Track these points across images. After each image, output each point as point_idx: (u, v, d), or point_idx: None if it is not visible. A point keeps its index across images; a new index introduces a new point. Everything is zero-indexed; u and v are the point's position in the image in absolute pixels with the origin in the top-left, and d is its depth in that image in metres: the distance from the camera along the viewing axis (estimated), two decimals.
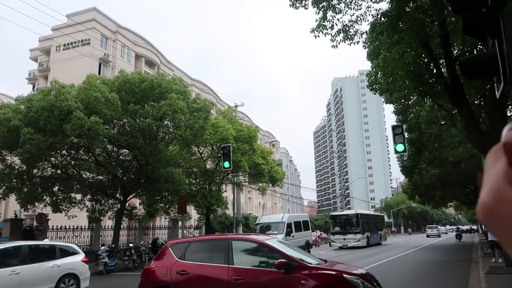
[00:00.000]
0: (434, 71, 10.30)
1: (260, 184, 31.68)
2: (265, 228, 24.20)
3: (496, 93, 5.76)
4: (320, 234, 45.54)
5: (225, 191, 32.80)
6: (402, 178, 55.61)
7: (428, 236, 54.43)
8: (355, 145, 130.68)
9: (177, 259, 7.27)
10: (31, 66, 48.55)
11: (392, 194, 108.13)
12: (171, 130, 22.38)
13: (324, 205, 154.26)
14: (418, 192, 32.92)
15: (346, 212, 37.99)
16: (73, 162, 21.39)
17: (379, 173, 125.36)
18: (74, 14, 41.42)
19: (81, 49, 39.23)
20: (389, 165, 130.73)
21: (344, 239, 31.01)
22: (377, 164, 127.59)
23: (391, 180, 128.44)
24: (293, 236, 22.96)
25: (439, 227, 66.34)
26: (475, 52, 10.35)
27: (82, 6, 42.58)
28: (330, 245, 34.96)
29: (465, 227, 76.06)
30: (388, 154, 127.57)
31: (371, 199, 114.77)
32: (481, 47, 8.44)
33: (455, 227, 62.86)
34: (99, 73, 38.26)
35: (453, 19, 9.94)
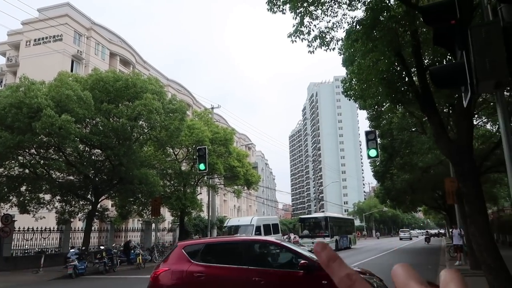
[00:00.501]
0: (406, 79, 10.60)
1: (236, 187, 31.64)
2: (234, 231, 23.75)
3: (464, 102, 6.00)
4: (295, 237, 45.99)
5: (200, 193, 32.56)
6: (374, 182, 56.86)
7: (401, 238, 58.48)
8: (329, 149, 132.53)
9: (192, 261, 7.05)
10: None
11: (365, 199, 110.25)
12: (145, 130, 22.07)
13: (299, 208, 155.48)
14: (389, 196, 33.65)
15: (315, 215, 37.43)
16: (42, 161, 20.74)
17: (352, 177, 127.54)
18: (46, 8, 40.23)
19: (53, 45, 38.10)
20: (362, 170, 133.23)
21: (313, 242, 29.65)
22: (350, 169, 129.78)
23: (364, 184, 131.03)
24: None
25: (410, 231, 70.67)
26: (445, 62, 10.73)
27: (54, 1, 41.23)
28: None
29: (433, 231, 78.51)
30: (362, 159, 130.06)
31: (345, 203, 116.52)
32: (450, 57, 8.77)
33: (425, 231, 67.24)
34: (72, 70, 37.30)
35: (425, 29, 10.26)
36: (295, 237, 34.70)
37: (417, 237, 71.15)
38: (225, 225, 25.73)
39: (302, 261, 6.55)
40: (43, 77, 22.42)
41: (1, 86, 37.88)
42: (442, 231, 74.40)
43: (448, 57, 10.28)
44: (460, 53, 5.64)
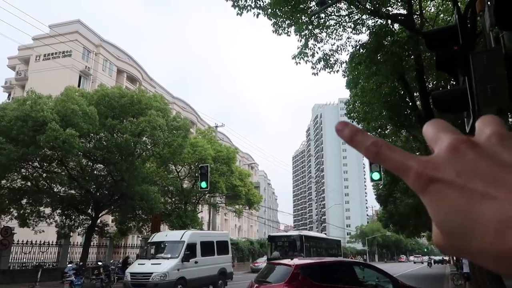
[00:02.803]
0: (409, 103, 10.64)
1: (237, 206, 31.45)
2: (158, 249, 17.35)
3: (466, 127, 5.97)
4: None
5: (201, 211, 32.38)
6: (377, 206, 56.43)
7: (414, 262, 70.25)
8: (333, 171, 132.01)
9: (313, 282, 7.55)
10: (9, 74, 47.54)
11: (368, 222, 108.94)
12: (149, 147, 22.12)
13: (301, 230, 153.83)
14: (392, 220, 33.27)
15: (288, 233, 33.14)
16: (44, 174, 20.75)
17: (355, 200, 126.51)
18: (57, 25, 41.09)
19: (62, 61, 38.73)
20: (366, 193, 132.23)
21: None
22: (353, 192, 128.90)
23: (367, 208, 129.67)
24: (196, 262, 16.48)
25: (422, 256, 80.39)
26: (448, 87, 10.76)
27: (65, 18, 42.16)
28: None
29: (437, 258, 77.25)
30: (365, 182, 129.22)
31: (347, 226, 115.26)
32: (454, 82, 8.80)
33: (428, 257, 72.45)
34: (79, 85, 37.77)
35: (428, 54, 10.35)
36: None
37: (422, 263, 71.79)
38: (149, 241, 18.43)
39: (401, 282, 8.10)
40: (51, 91, 22.68)
41: (10, 99, 38.33)
42: (446, 257, 73.15)
43: (451, 82, 10.33)
44: (462, 79, 5.66)
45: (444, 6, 12.45)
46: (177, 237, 17.41)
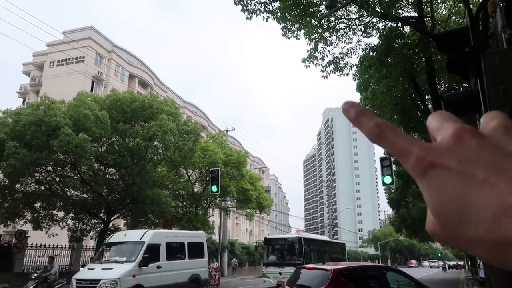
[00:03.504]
0: (421, 106, 10.53)
1: (248, 210, 31.40)
2: (114, 252, 14.76)
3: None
4: (216, 264, 40.73)
5: (212, 215, 32.43)
6: (390, 210, 55.85)
7: (431, 267, 73.17)
8: (344, 175, 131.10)
9: (351, 286, 7.97)
10: (24, 80, 48.46)
11: (380, 226, 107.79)
12: (160, 151, 22.26)
13: (300, 232, 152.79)
14: (404, 225, 32.88)
15: (286, 235, 30.18)
16: (58, 178, 21.03)
17: (367, 204, 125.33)
18: (71, 31, 41.78)
19: (75, 66, 39.35)
20: (378, 197, 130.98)
21: (281, 273, 20.70)
22: (365, 196, 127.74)
23: (379, 212, 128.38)
24: (159, 267, 14.09)
25: (438, 261, 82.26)
26: (460, 90, 10.62)
27: (79, 24, 42.92)
28: (263, 281, 23.62)
29: (451, 263, 76.21)
30: (377, 186, 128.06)
31: (359, 230, 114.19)
32: (466, 85, 8.69)
33: (442, 262, 73.30)
34: (92, 91, 38.29)
35: (440, 56, 10.23)
36: (216, 264, 26.58)
37: (438, 268, 71.63)
38: (106, 241, 16.34)
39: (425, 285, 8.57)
40: (64, 97, 23.02)
41: (24, 105, 39.03)
42: (461, 262, 71.99)
43: (463, 84, 10.19)
44: (474, 81, 5.58)
45: (456, 8, 12.32)
46: (137, 237, 14.67)
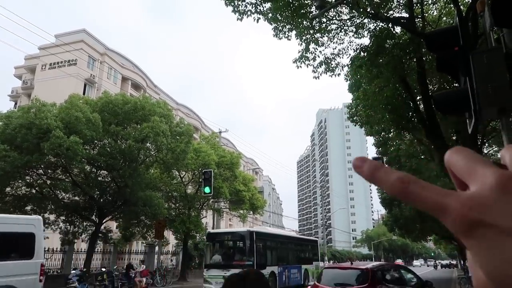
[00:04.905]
0: (411, 106, 10.60)
1: (241, 211, 31.34)
2: None
3: (469, 128, 5.92)
4: (142, 267, 34.13)
5: (205, 217, 32.28)
6: (383, 210, 56.19)
7: (428, 266, 76.75)
8: (338, 176, 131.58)
9: (384, 283, 9.01)
10: (15, 83, 48.04)
11: (373, 226, 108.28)
12: (152, 152, 22.16)
13: (306, 235, 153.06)
14: (397, 224, 33.02)
15: (233, 229, 25.48)
16: (49, 181, 20.83)
17: (361, 204, 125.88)
18: (63, 34, 41.48)
19: (67, 69, 39.05)
20: (371, 197, 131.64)
21: (224, 277, 14.71)
22: (359, 196, 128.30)
23: (372, 212, 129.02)
24: None
25: (435, 261, 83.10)
26: (450, 89, 10.70)
27: (71, 27, 42.74)
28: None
29: (444, 262, 76.74)
30: (370, 186, 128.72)
31: (353, 230, 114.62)
32: (457, 84, 8.76)
33: (433, 261, 79.10)
34: (84, 93, 38.04)
35: (430, 56, 10.31)
36: (142, 267, 23.05)
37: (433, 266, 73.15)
38: None
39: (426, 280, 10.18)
40: (56, 99, 22.82)
41: (16, 108, 38.66)
42: (453, 262, 72.48)
43: (454, 84, 10.27)
44: (463, 80, 5.61)
45: (447, 9, 12.42)
46: None
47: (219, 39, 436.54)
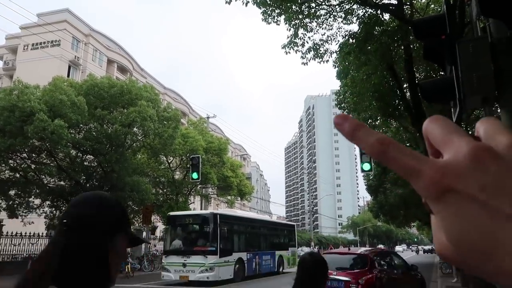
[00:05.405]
0: (398, 93, 10.67)
1: (229, 197, 31.49)
2: None
3: (453, 117, 5.99)
4: None
5: (193, 202, 32.38)
6: (368, 197, 57.06)
7: (412, 250, 77.66)
8: (325, 162, 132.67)
9: (381, 267, 9.71)
10: None
11: (359, 212, 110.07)
12: (139, 137, 21.99)
13: (293, 220, 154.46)
14: (382, 211, 33.57)
15: (196, 211, 21.90)
16: (33, 166, 20.55)
17: (347, 191, 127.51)
18: (46, 14, 40.37)
19: (50, 50, 38.11)
20: (357, 184, 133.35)
21: (184, 264, 15.41)
22: (345, 182, 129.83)
23: (358, 198, 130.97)
24: None
25: (417, 246, 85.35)
26: (438, 77, 10.80)
27: (54, 7, 41.57)
28: (162, 276, 16.56)
29: (426, 247, 78.59)
30: (356, 173, 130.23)
31: (339, 217, 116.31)
32: (443, 73, 8.83)
33: (415, 246, 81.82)
34: (68, 76, 37.22)
35: (418, 44, 10.35)
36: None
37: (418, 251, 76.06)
38: None
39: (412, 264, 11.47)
40: (39, 81, 22.33)
41: None
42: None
43: (441, 72, 10.36)
44: (449, 68, 5.65)
45: None
46: None
47: (206, 23, 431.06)
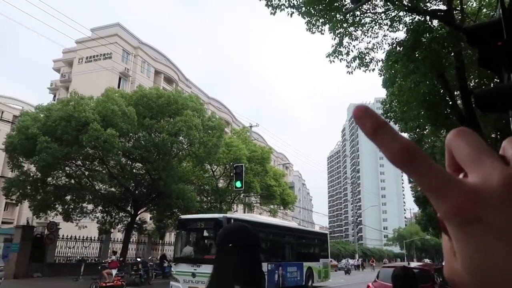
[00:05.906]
0: (449, 102, 10.25)
1: (272, 206, 31.47)
2: None
3: (511, 127, 5.68)
4: (331, 261, 41.60)
5: (236, 211, 32.68)
6: (416, 208, 54.82)
7: None
8: (369, 172, 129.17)
9: (441, 282, 9.74)
10: (54, 76, 50.09)
11: (406, 225, 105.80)
12: (185, 146, 22.58)
13: (336, 231, 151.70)
14: (431, 224, 32.15)
15: (209, 215, 17.46)
16: (87, 172, 21.70)
17: (392, 202, 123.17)
18: (98, 28, 42.78)
19: (103, 63, 40.31)
20: (403, 195, 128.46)
21: (194, 274, 13.40)
22: (391, 193, 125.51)
23: (404, 210, 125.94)
24: None
25: None
26: (492, 85, 10.27)
27: (106, 21, 43.91)
28: (170, 286, 14.49)
29: None
30: (403, 183, 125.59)
31: (384, 228, 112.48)
32: (498, 80, 8.40)
33: None
34: (119, 87, 39.14)
35: (470, 51, 9.92)
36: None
37: None
38: None
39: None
40: (93, 92, 23.67)
41: (55, 100, 40.33)
42: None
43: (495, 79, 9.85)
44: (507, 76, 5.39)
45: (487, 0, 11.89)
46: None
47: (246, 32, 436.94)
